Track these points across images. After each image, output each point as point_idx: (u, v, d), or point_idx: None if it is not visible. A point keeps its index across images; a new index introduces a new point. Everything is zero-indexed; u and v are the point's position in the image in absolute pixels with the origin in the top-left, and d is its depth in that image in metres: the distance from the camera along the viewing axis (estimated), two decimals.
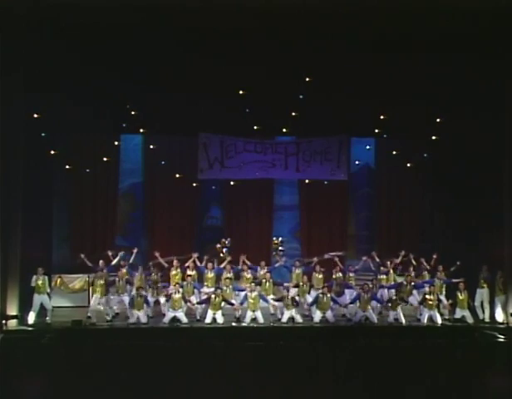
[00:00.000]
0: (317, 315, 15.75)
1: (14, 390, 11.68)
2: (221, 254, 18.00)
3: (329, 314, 15.73)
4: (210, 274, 16.73)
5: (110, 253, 17.29)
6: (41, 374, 12.50)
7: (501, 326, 15.45)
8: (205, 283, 16.70)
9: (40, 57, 14.91)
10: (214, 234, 19.83)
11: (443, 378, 11.96)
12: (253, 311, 15.59)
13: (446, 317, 16.06)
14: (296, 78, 16.05)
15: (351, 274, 17.35)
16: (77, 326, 15.10)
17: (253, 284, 15.99)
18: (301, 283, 16.59)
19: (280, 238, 18.33)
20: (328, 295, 15.85)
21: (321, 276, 16.78)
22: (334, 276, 17.11)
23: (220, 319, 15.52)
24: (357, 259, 18.68)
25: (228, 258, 17.21)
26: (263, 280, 16.49)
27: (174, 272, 16.61)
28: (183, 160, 19.84)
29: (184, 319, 15.38)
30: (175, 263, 16.69)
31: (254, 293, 15.72)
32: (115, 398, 11.64)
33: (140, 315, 15.30)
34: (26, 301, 15.47)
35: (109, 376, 12.33)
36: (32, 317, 15.38)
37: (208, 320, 15.53)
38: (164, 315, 15.79)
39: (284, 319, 15.69)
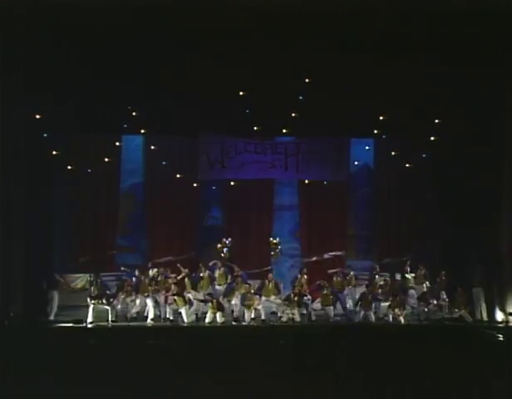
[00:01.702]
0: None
1: (14, 390, 11.67)
2: (221, 254, 18.02)
3: (330, 309, 16.05)
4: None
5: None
6: (41, 374, 12.49)
7: (500, 325, 15.50)
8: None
9: (40, 57, 14.94)
10: (214, 234, 19.81)
11: (442, 377, 11.96)
12: (253, 308, 15.71)
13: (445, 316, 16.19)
14: (296, 78, 16.06)
15: (351, 273, 17.44)
16: (78, 325, 15.17)
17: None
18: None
19: (278, 239, 18.34)
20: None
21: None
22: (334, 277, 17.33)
23: (220, 319, 15.57)
24: (357, 259, 18.71)
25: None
26: (266, 281, 16.59)
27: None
28: (183, 161, 19.81)
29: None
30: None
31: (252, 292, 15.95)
32: (115, 398, 11.62)
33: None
34: (27, 301, 15.52)
35: (109, 376, 12.32)
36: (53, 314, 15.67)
37: (208, 320, 15.58)
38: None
39: (285, 318, 15.79)
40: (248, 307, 15.77)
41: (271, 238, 18.51)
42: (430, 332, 15.31)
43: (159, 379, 12.10)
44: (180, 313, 15.84)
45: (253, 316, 15.70)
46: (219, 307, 15.67)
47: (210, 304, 15.70)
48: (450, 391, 11.24)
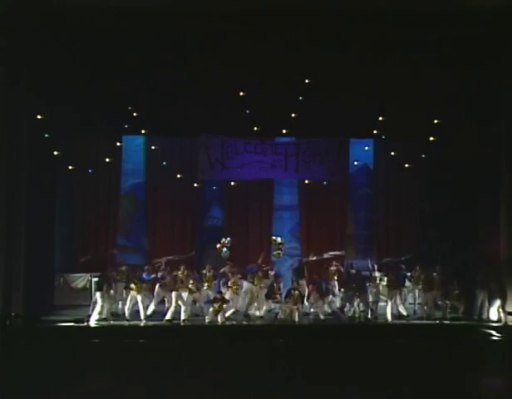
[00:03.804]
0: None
1: (14, 389, 11.69)
2: (221, 254, 18.04)
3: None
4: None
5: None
6: (41, 374, 12.51)
7: (498, 324, 15.50)
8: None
9: (40, 57, 14.94)
10: (214, 234, 19.85)
11: (442, 377, 11.98)
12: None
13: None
14: (296, 78, 16.06)
15: (352, 271, 17.57)
16: (79, 324, 15.20)
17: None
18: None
19: (279, 239, 18.36)
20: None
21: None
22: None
23: (220, 318, 15.60)
24: (357, 259, 18.74)
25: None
26: (274, 283, 16.68)
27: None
28: (184, 161, 19.90)
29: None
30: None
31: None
32: (115, 398, 11.64)
33: None
34: (27, 301, 15.53)
35: (109, 375, 12.34)
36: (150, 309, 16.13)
37: (208, 319, 15.60)
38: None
39: (282, 316, 15.91)
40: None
41: (273, 238, 18.54)
42: (430, 332, 15.32)
43: (159, 379, 12.12)
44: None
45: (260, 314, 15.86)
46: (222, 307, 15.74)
47: (214, 303, 15.71)
48: (449, 391, 11.25)
